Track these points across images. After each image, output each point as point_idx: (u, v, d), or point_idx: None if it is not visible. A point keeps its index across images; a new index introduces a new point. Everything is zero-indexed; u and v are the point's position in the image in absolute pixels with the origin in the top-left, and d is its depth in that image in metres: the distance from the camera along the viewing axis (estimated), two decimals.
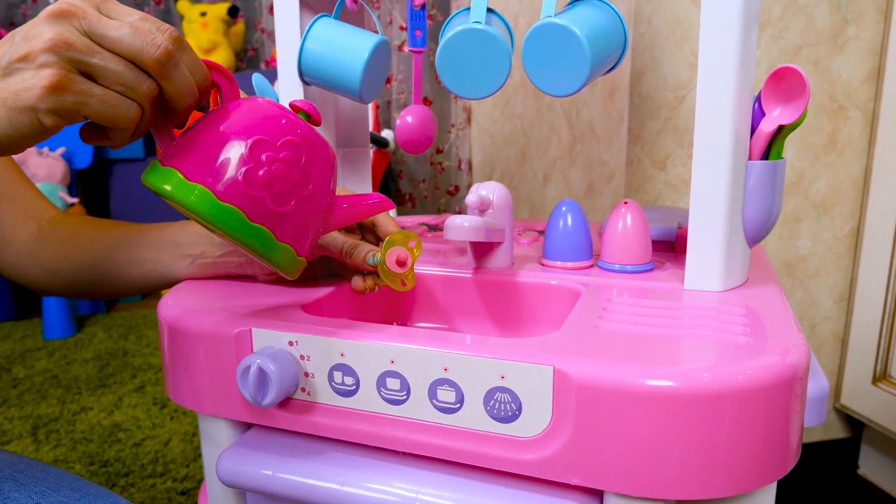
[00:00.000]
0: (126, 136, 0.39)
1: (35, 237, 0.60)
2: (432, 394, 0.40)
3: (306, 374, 0.44)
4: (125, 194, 2.30)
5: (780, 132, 0.50)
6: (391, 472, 0.42)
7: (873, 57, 0.99)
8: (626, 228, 0.56)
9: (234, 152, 0.38)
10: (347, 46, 0.57)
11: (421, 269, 0.60)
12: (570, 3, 0.53)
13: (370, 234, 0.55)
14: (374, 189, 1.26)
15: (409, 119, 0.65)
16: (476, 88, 0.55)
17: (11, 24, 2.39)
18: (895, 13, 0.95)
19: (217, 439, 0.49)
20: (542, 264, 0.59)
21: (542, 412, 0.38)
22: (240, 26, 2.49)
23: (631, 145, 0.97)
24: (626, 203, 0.57)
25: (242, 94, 0.42)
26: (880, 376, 1.03)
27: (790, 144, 1.00)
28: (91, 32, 0.35)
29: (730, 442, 0.36)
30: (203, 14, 2.38)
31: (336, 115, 0.72)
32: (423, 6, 0.62)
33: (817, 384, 0.51)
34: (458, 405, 0.40)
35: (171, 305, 0.50)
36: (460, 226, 0.50)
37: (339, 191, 0.48)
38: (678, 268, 0.57)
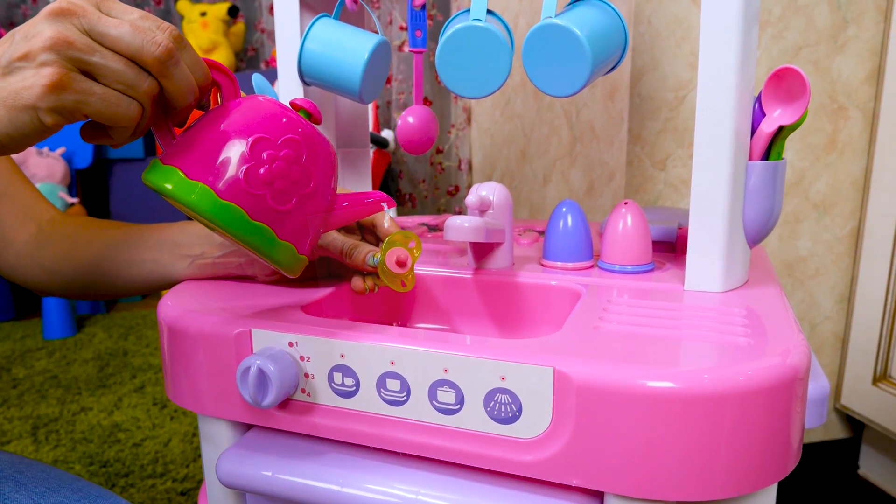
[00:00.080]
0: (126, 135, 0.39)
1: (35, 238, 0.60)
2: (432, 395, 0.40)
3: (306, 375, 0.44)
4: (125, 194, 2.30)
5: (781, 133, 0.50)
6: (391, 474, 0.42)
7: (873, 57, 0.99)
8: (626, 229, 0.56)
9: (235, 150, 0.38)
10: (347, 47, 0.57)
11: (421, 269, 0.60)
12: (570, 4, 0.53)
13: (370, 234, 0.55)
14: (373, 189, 1.26)
15: (410, 120, 0.65)
16: (476, 87, 0.55)
17: (11, 24, 2.39)
18: (895, 13, 0.95)
19: (217, 440, 0.49)
20: (543, 265, 0.59)
21: (542, 413, 0.38)
22: (240, 26, 2.49)
23: (631, 145, 0.97)
24: (626, 203, 0.57)
25: (242, 94, 0.42)
26: (880, 376, 1.03)
27: (790, 145, 1.00)
28: (91, 31, 0.35)
29: (730, 443, 0.35)
30: (203, 14, 2.38)
31: (336, 116, 0.72)
32: (424, 6, 0.62)
33: (818, 385, 0.51)
34: (459, 406, 0.40)
35: (171, 306, 0.50)
36: (460, 226, 0.50)
37: (339, 191, 0.48)
38: (678, 268, 0.57)
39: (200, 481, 1.11)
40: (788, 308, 0.47)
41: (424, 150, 0.66)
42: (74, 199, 2.01)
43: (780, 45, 0.96)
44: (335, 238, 0.51)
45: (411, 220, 0.87)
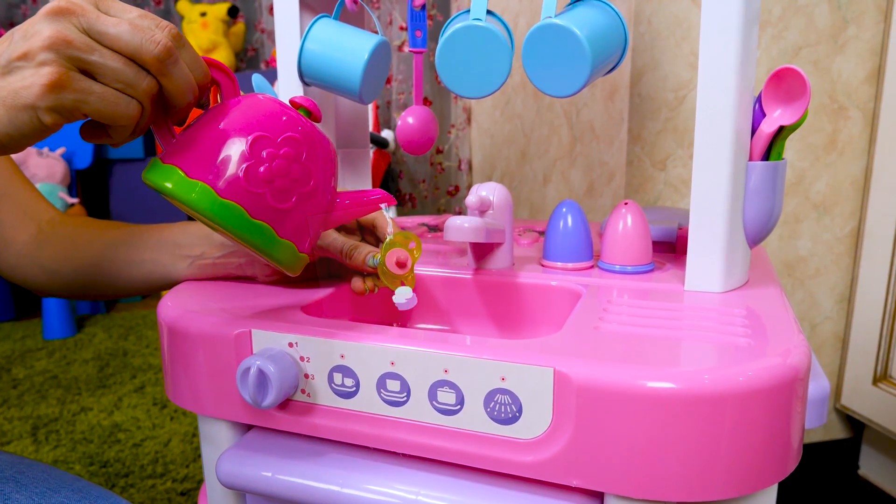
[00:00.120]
0: (126, 134, 0.39)
1: (34, 238, 0.60)
2: (432, 395, 0.40)
3: (306, 376, 0.44)
4: (125, 194, 2.30)
5: (781, 133, 0.50)
6: (391, 474, 0.42)
7: (873, 57, 0.99)
8: (626, 229, 0.56)
9: (235, 149, 0.38)
10: (347, 47, 0.57)
11: (421, 270, 0.60)
12: (570, 4, 0.53)
13: (370, 235, 0.55)
14: None
15: (410, 120, 0.65)
16: (476, 87, 0.54)
17: (11, 24, 2.39)
18: (895, 13, 0.95)
19: (217, 441, 0.49)
20: (543, 265, 0.59)
21: (542, 414, 0.38)
22: (240, 26, 2.49)
23: (631, 145, 0.97)
24: (626, 204, 0.57)
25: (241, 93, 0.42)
26: (881, 377, 1.03)
27: (790, 145, 1.00)
28: (90, 30, 0.35)
29: (730, 444, 0.35)
30: (203, 14, 2.38)
31: (336, 116, 0.72)
32: (424, 7, 0.62)
33: (818, 385, 0.51)
34: (459, 407, 0.40)
35: (171, 306, 0.50)
36: (460, 227, 0.50)
37: (339, 190, 0.48)
38: (678, 269, 0.57)
39: (200, 481, 1.11)
40: (789, 308, 0.47)
41: (424, 151, 0.66)
42: (74, 200, 2.01)
43: (780, 45, 0.96)
44: (335, 239, 0.51)
45: (411, 221, 0.87)
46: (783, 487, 1.06)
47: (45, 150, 2.04)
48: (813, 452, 1.13)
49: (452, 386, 0.39)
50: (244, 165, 0.37)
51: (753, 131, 0.50)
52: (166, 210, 1.53)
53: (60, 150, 2.06)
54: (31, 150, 1.99)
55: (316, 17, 0.58)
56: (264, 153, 0.38)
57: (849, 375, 1.08)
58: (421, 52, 0.64)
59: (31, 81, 0.34)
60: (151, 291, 0.60)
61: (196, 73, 0.39)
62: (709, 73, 0.47)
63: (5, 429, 1.31)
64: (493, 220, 0.56)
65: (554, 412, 0.37)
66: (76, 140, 2.13)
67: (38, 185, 1.94)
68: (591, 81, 0.51)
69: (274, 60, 2.47)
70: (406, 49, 2.21)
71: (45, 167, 1.99)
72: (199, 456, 1.19)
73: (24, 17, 2.39)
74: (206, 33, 2.35)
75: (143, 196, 2.16)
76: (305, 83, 0.60)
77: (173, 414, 1.35)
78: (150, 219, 0.95)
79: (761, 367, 0.36)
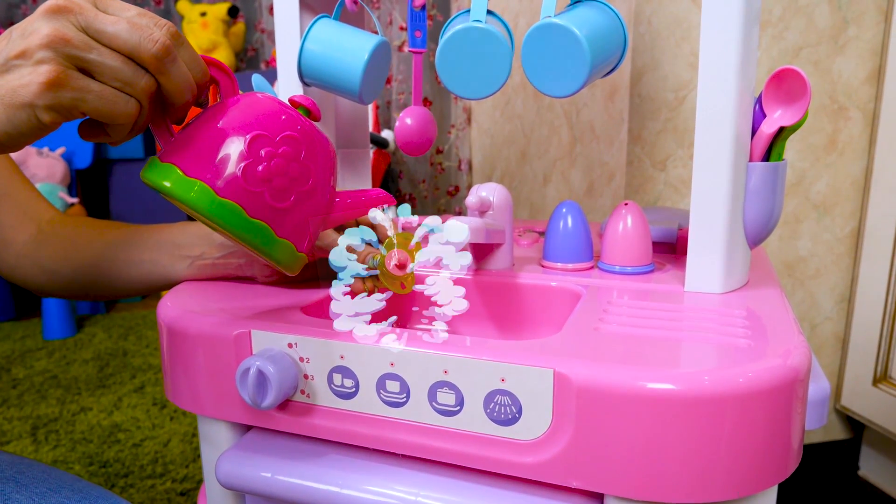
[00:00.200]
0: (124, 133, 0.38)
1: (34, 238, 0.60)
2: (432, 396, 0.40)
3: (306, 377, 0.44)
4: (125, 194, 2.30)
5: (781, 134, 0.50)
6: (391, 475, 0.42)
7: (874, 57, 0.98)
8: (626, 230, 0.56)
9: (234, 148, 0.38)
10: (347, 47, 0.57)
11: (421, 270, 0.59)
12: (570, 5, 0.53)
13: None
14: None
15: (408, 121, 0.65)
16: (476, 88, 0.54)
17: (11, 24, 2.39)
18: (895, 14, 0.95)
19: (216, 441, 0.49)
20: (543, 266, 0.59)
21: (542, 415, 0.37)
22: (240, 26, 2.49)
23: (631, 146, 0.97)
24: (626, 204, 0.57)
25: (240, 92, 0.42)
26: (881, 377, 1.02)
27: (790, 145, 1.00)
28: (88, 28, 0.35)
29: (731, 445, 0.35)
30: (203, 14, 2.38)
31: (336, 116, 0.72)
32: (424, 7, 0.62)
33: (818, 387, 0.51)
34: (458, 408, 0.40)
35: (171, 307, 0.50)
36: None
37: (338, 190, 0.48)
38: (679, 269, 0.57)
39: (200, 482, 1.11)
40: (789, 309, 0.47)
41: (423, 152, 0.66)
42: (74, 199, 2.01)
43: (780, 46, 0.96)
44: (335, 239, 0.51)
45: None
46: (783, 488, 1.06)
47: (45, 149, 2.04)
48: (813, 453, 1.13)
49: (452, 387, 0.39)
50: (242, 164, 0.37)
51: (754, 132, 0.50)
52: (166, 210, 1.52)
53: (60, 150, 2.06)
54: (30, 150, 1.99)
55: (316, 18, 0.58)
56: (263, 152, 0.38)
57: (849, 376, 1.08)
58: (420, 53, 0.64)
59: (30, 80, 0.34)
60: (151, 292, 0.60)
61: (195, 72, 0.39)
62: (709, 74, 0.47)
63: (5, 429, 1.31)
64: (493, 220, 0.56)
65: (554, 413, 0.37)
66: (76, 140, 2.13)
67: (38, 185, 1.94)
68: (590, 82, 0.51)
69: (274, 60, 2.47)
70: (406, 49, 2.21)
71: (44, 167, 1.99)
72: (199, 456, 1.19)
73: (24, 17, 2.39)
74: (206, 33, 2.35)
75: (143, 196, 2.16)
76: (305, 83, 0.60)
77: (173, 414, 1.35)
78: (150, 219, 0.95)
79: (761, 368, 0.36)
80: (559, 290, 0.55)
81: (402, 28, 2.20)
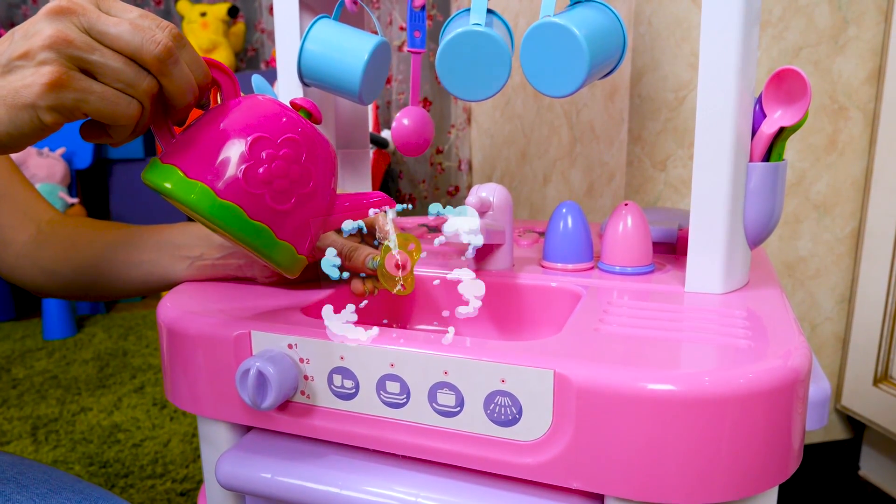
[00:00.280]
0: (126, 134, 0.39)
1: (34, 238, 0.60)
2: (432, 397, 0.40)
3: (306, 377, 0.44)
4: (125, 194, 2.30)
5: (782, 134, 0.50)
6: (391, 476, 0.42)
7: (874, 57, 0.98)
8: (626, 230, 0.56)
9: (235, 150, 0.38)
10: (347, 48, 0.57)
11: (421, 271, 0.59)
12: (570, 5, 0.53)
13: (370, 236, 0.55)
14: (373, 190, 1.26)
15: (405, 122, 0.65)
16: (476, 90, 0.54)
17: (11, 24, 2.39)
18: (895, 14, 0.95)
19: (216, 442, 0.49)
20: (543, 266, 0.59)
21: (542, 416, 0.37)
22: (240, 26, 2.49)
23: (631, 146, 0.97)
24: (626, 205, 0.57)
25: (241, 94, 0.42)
26: (881, 377, 1.02)
27: (791, 145, 1.00)
28: (91, 29, 0.35)
29: (731, 446, 0.35)
30: (203, 14, 2.38)
31: (336, 116, 0.72)
32: (423, 7, 0.62)
33: (819, 387, 0.50)
34: (458, 409, 0.39)
35: (170, 307, 0.50)
36: None
37: (339, 192, 0.48)
38: (679, 270, 0.57)
39: (200, 482, 1.11)
40: (789, 310, 0.47)
41: (420, 152, 0.66)
42: (74, 200, 2.01)
43: (780, 46, 0.96)
44: (335, 240, 0.51)
45: (411, 221, 0.86)
46: (784, 488, 1.06)
47: (45, 150, 2.04)
48: (813, 453, 1.13)
49: (452, 388, 0.39)
50: (243, 166, 0.37)
51: (754, 132, 0.50)
52: (166, 210, 1.53)
53: (60, 150, 2.06)
54: (31, 150, 1.99)
55: (316, 18, 0.58)
56: (264, 154, 0.38)
57: (849, 376, 1.08)
58: (419, 53, 0.64)
59: (32, 80, 0.34)
60: (151, 292, 0.60)
61: (196, 74, 0.39)
62: (709, 74, 0.47)
63: (5, 429, 1.31)
64: (493, 221, 0.56)
65: (554, 414, 0.37)
66: (76, 140, 2.13)
67: (38, 185, 1.94)
68: (589, 82, 0.51)
69: (274, 60, 2.47)
70: (406, 49, 2.20)
71: (45, 167, 1.99)
72: (199, 456, 1.19)
73: (25, 17, 2.39)
74: (206, 33, 2.35)
75: (143, 196, 2.16)
76: (305, 84, 0.60)
77: (173, 414, 1.35)
78: (150, 219, 0.95)
79: (762, 369, 0.36)
80: (559, 291, 0.55)
81: (402, 28, 2.20)
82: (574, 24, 0.49)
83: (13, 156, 1.37)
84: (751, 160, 0.50)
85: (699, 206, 0.50)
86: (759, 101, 0.50)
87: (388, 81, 2.24)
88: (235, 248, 0.56)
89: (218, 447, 0.49)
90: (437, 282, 0.58)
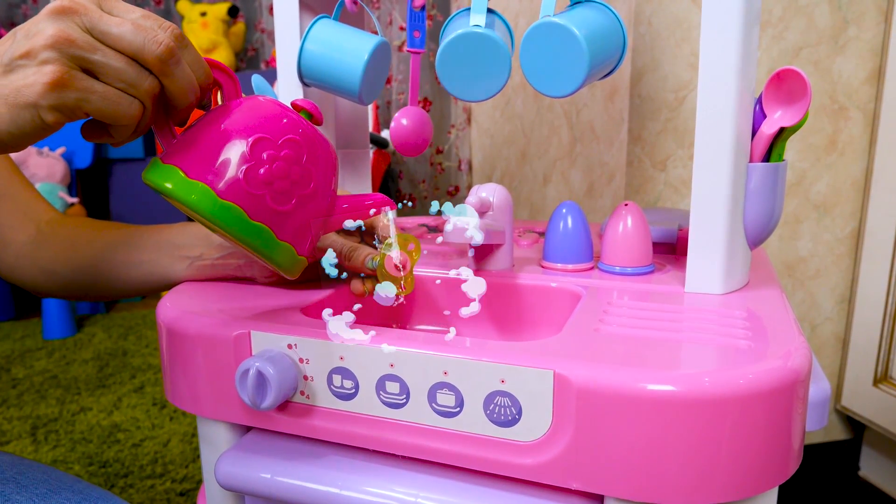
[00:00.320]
0: (127, 134, 0.39)
1: (33, 238, 0.60)
2: (432, 397, 0.40)
3: (305, 378, 0.43)
4: (125, 194, 2.30)
5: (782, 134, 0.50)
6: (390, 476, 0.42)
7: (874, 57, 0.98)
8: (626, 231, 0.56)
9: (236, 150, 0.38)
10: (347, 48, 0.57)
11: (420, 271, 0.59)
12: (570, 5, 0.53)
13: (370, 236, 0.55)
14: (373, 190, 1.26)
15: (403, 122, 0.65)
16: (476, 91, 0.54)
17: (12, 24, 2.39)
18: (895, 14, 0.95)
19: (216, 442, 0.49)
20: (543, 266, 0.59)
21: (542, 416, 0.37)
22: (240, 26, 2.49)
23: (631, 146, 0.97)
24: (626, 205, 0.57)
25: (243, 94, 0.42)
26: (881, 378, 1.02)
27: (791, 145, 1.00)
28: (93, 29, 0.35)
29: (731, 447, 0.35)
30: (203, 14, 2.38)
31: (336, 116, 0.72)
32: (423, 7, 0.62)
33: (819, 388, 0.50)
34: (458, 409, 0.39)
35: (170, 307, 0.50)
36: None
37: (339, 192, 0.48)
38: (679, 270, 0.57)
39: (200, 482, 1.11)
40: (789, 310, 0.47)
41: (419, 153, 0.66)
42: (74, 199, 2.01)
43: (780, 46, 0.96)
44: (334, 240, 0.51)
45: (411, 221, 0.86)
46: (784, 489, 1.06)
47: (45, 149, 2.04)
48: (813, 453, 1.13)
49: (452, 388, 0.39)
50: (244, 167, 0.37)
51: (754, 132, 0.50)
52: (166, 210, 1.52)
53: (60, 150, 2.06)
54: (31, 150, 1.99)
55: (316, 18, 0.58)
56: (265, 155, 0.38)
57: (849, 376, 1.08)
58: (419, 53, 0.64)
59: (34, 80, 0.34)
60: (150, 292, 0.60)
61: (198, 74, 0.39)
62: (709, 74, 0.47)
63: (5, 429, 1.31)
64: (493, 221, 0.56)
65: (554, 414, 0.37)
66: (76, 140, 2.13)
67: (38, 185, 1.94)
68: (588, 83, 0.51)
69: (274, 60, 2.47)
70: (406, 49, 2.20)
71: (45, 167, 1.99)
72: (199, 456, 1.19)
73: (25, 17, 2.39)
74: (206, 33, 2.35)
75: (143, 196, 2.16)
76: (305, 84, 0.60)
77: (173, 414, 1.35)
78: (150, 219, 0.95)
79: (762, 369, 0.36)
80: (559, 291, 0.55)
81: (402, 28, 2.20)
82: (574, 24, 0.49)
83: (13, 155, 1.37)
84: (751, 160, 0.50)
85: (699, 206, 0.50)
86: (759, 101, 0.50)
87: (388, 81, 2.24)
88: (235, 249, 0.56)
89: (217, 447, 0.49)
90: (438, 281, 0.58)
